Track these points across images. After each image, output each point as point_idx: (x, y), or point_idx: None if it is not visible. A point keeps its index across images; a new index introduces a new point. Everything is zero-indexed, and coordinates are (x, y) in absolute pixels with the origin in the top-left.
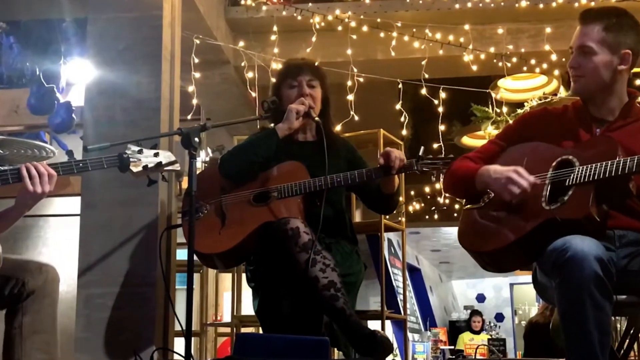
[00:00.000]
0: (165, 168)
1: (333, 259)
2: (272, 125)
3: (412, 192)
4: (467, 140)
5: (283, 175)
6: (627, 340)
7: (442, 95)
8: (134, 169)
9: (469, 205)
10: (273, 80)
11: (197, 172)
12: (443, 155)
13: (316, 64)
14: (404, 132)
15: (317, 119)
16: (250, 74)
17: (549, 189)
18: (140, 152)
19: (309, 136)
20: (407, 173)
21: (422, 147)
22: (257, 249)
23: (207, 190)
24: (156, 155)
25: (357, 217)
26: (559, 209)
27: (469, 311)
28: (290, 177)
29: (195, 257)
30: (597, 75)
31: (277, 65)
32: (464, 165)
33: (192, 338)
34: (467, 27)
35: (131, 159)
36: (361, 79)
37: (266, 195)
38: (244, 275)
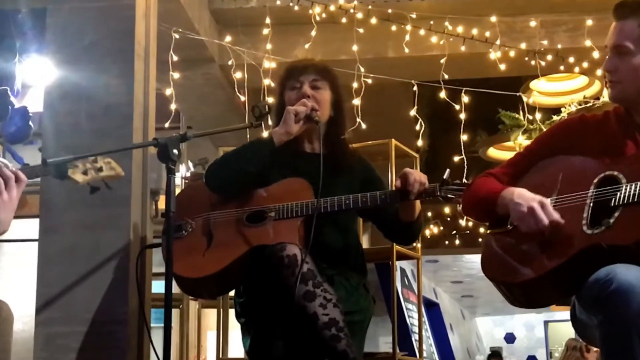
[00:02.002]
0: (106, 174)
1: (336, 293)
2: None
3: (429, 214)
4: (493, 153)
5: (283, 193)
6: None
7: (465, 99)
8: (76, 177)
9: (494, 229)
10: (271, 84)
11: (178, 190)
12: (466, 176)
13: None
14: (420, 142)
15: (316, 119)
16: (238, 74)
17: (590, 210)
18: (76, 158)
19: (316, 147)
20: (427, 199)
21: (448, 170)
22: (248, 278)
23: (194, 205)
24: (95, 161)
25: (365, 242)
26: (603, 233)
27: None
28: (291, 196)
29: (174, 287)
30: (637, 80)
31: (270, 64)
32: (487, 184)
33: None
34: (494, 19)
35: (68, 166)
36: (369, 80)
37: (262, 215)
38: (231, 312)
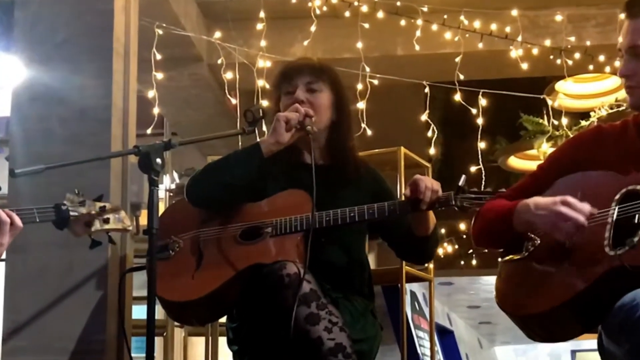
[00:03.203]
0: (113, 227)
1: (342, 316)
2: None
3: (443, 230)
4: (514, 162)
5: (281, 206)
6: None
7: (482, 102)
8: (77, 227)
9: (508, 257)
10: (265, 85)
11: (161, 204)
12: (489, 189)
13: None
14: (432, 150)
15: (308, 128)
16: (229, 75)
17: (612, 228)
18: (81, 203)
19: (318, 157)
20: (441, 209)
21: (463, 176)
22: (242, 301)
23: (183, 221)
24: (102, 209)
25: (371, 263)
26: (627, 253)
27: None
28: (290, 210)
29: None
30: None
31: (264, 63)
32: (497, 204)
33: None
34: (515, 12)
35: (72, 212)
36: (375, 81)
37: (257, 231)
38: (221, 340)
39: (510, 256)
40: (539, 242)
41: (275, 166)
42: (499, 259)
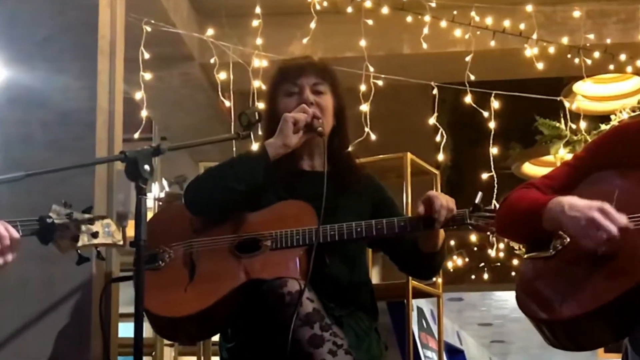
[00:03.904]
0: (102, 242)
1: (346, 338)
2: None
3: (452, 243)
4: (529, 169)
5: (281, 217)
6: None
7: (495, 104)
8: (63, 242)
9: (532, 254)
10: (261, 86)
11: (150, 213)
12: (496, 196)
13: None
14: (441, 156)
15: (320, 129)
16: (222, 75)
17: None
18: (68, 216)
19: (317, 164)
20: (454, 227)
21: (480, 194)
22: (239, 319)
23: (173, 230)
24: (90, 222)
25: (374, 277)
26: None
27: None
28: (291, 222)
29: (145, 330)
30: None
31: (260, 63)
32: (529, 195)
33: None
34: (530, 8)
35: (57, 224)
36: (380, 82)
37: (256, 243)
38: None
39: (536, 253)
40: (568, 240)
41: (270, 173)
42: (525, 256)
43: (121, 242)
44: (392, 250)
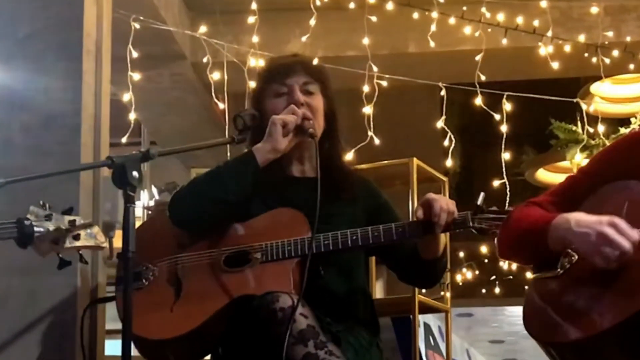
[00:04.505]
0: (84, 244)
1: (343, 355)
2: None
3: (461, 254)
4: (544, 175)
5: (271, 228)
6: None
7: (507, 106)
8: (43, 245)
9: (539, 274)
10: (253, 85)
11: (138, 223)
12: (511, 207)
13: (315, 61)
14: (449, 162)
15: (311, 131)
16: (216, 75)
17: None
18: (48, 217)
19: (308, 169)
20: (457, 231)
21: (482, 194)
22: (228, 338)
23: (157, 245)
24: (71, 224)
25: (378, 291)
26: None
27: None
28: (281, 232)
29: (132, 350)
30: None
31: (256, 62)
32: (531, 213)
33: None
34: (544, 4)
35: (36, 228)
36: (384, 83)
37: (245, 256)
38: None
39: (542, 273)
40: (576, 258)
41: (257, 180)
42: (532, 277)
43: (105, 245)
44: (391, 258)
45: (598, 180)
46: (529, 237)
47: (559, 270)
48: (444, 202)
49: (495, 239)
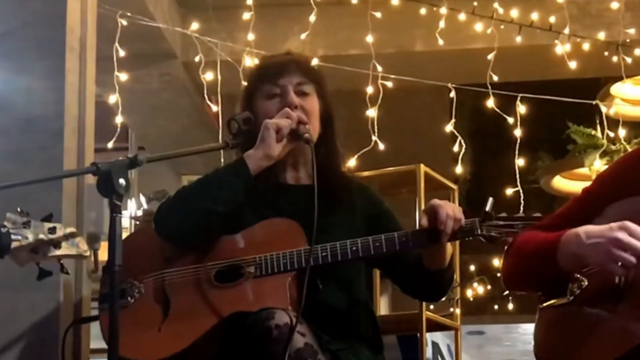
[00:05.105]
0: (66, 253)
1: None
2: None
3: (472, 268)
4: (560, 183)
5: (265, 239)
6: None
7: (521, 109)
8: (21, 254)
9: (549, 302)
10: (246, 85)
11: (125, 233)
12: (523, 213)
13: (315, 61)
14: (459, 169)
15: (307, 135)
16: (209, 75)
17: None
18: (26, 225)
19: (303, 176)
20: (465, 239)
21: (490, 200)
22: (220, 357)
23: (142, 261)
24: (52, 231)
25: (383, 307)
26: None
27: None
28: (276, 243)
29: None
30: None
31: (252, 61)
32: (536, 236)
33: None
34: None
35: (13, 236)
36: (389, 84)
37: (237, 270)
38: None
39: (552, 301)
40: (586, 283)
41: (249, 188)
42: (540, 306)
43: (87, 253)
44: (393, 270)
45: (605, 200)
46: (536, 259)
47: (568, 297)
48: (450, 209)
49: (501, 269)
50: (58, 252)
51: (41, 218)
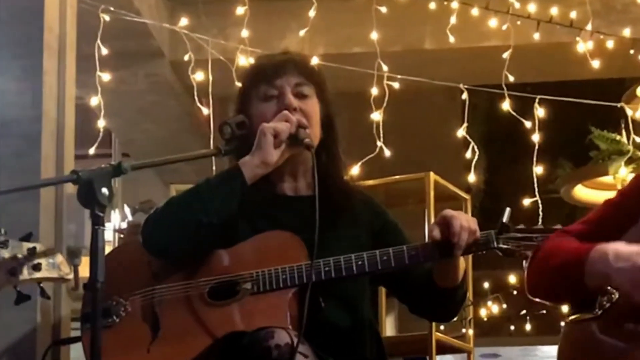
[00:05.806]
0: (46, 276)
1: None
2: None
3: (486, 285)
4: (582, 193)
5: (263, 253)
6: None
7: (539, 112)
8: None
9: (576, 315)
10: (239, 86)
11: (109, 248)
12: (542, 225)
13: (315, 60)
14: (472, 177)
15: (307, 141)
16: (199, 76)
17: None
18: (3, 245)
19: (302, 186)
20: (479, 253)
21: (507, 210)
22: None
23: (128, 277)
24: (31, 252)
25: (389, 327)
26: None
27: None
28: (274, 258)
29: None
30: None
31: (246, 60)
32: (565, 246)
33: None
34: None
35: None
36: (396, 84)
37: (232, 287)
38: None
39: (579, 315)
40: (617, 296)
41: (244, 199)
42: (567, 320)
43: (70, 276)
44: (400, 287)
45: (637, 207)
46: (563, 272)
47: (597, 311)
48: (464, 220)
49: (525, 274)
50: (37, 275)
51: (20, 237)
